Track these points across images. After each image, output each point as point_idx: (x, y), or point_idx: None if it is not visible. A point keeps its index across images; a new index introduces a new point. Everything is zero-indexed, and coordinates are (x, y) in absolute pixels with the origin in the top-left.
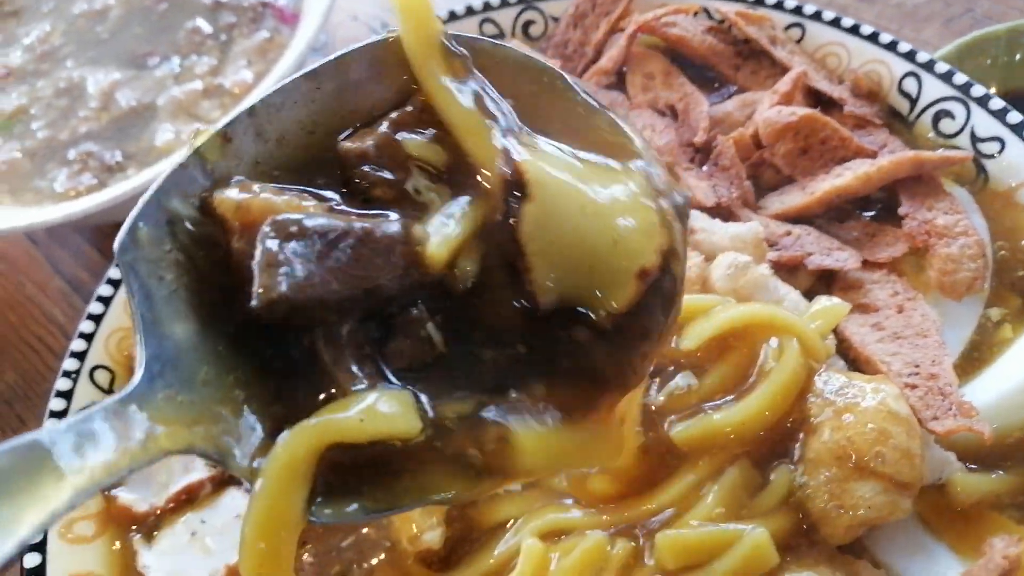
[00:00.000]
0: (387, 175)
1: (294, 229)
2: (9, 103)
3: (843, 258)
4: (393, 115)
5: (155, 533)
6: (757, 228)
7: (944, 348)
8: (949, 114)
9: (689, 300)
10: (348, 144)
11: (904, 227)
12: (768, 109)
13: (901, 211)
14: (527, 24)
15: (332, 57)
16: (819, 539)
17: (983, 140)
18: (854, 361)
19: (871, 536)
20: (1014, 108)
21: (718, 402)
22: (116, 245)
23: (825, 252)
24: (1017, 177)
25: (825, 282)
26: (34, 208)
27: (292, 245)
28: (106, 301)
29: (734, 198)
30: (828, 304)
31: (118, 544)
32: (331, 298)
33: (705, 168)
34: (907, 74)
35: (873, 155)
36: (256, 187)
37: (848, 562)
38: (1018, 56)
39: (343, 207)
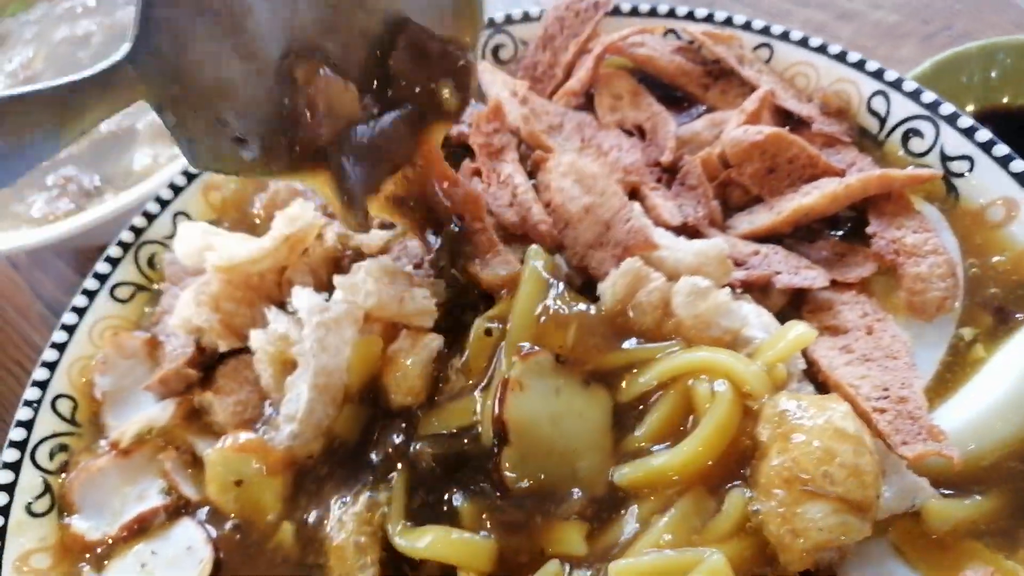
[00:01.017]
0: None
1: None
2: None
3: (811, 277)
4: None
5: (105, 563)
6: (720, 244)
7: (914, 370)
8: (918, 133)
9: (634, 350)
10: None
11: (873, 246)
12: (735, 128)
13: (869, 230)
14: (497, 48)
15: None
16: (780, 567)
17: (953, 159)
18: (823, 385)
19: (841, 565)
20: (992, 124)
21: (660, 446)
22: None
23: (793, 271)
24: (987, 195)
25: (795, 303)
26: (11, 232)
27: None
28: (70, 330)
29: (700, 217)
30: (793, 330)
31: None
32: None
33: (672, 188)
34: (875, 93)
35: (841, 174)
36: None
37: None
38: (993, 73)
39: None
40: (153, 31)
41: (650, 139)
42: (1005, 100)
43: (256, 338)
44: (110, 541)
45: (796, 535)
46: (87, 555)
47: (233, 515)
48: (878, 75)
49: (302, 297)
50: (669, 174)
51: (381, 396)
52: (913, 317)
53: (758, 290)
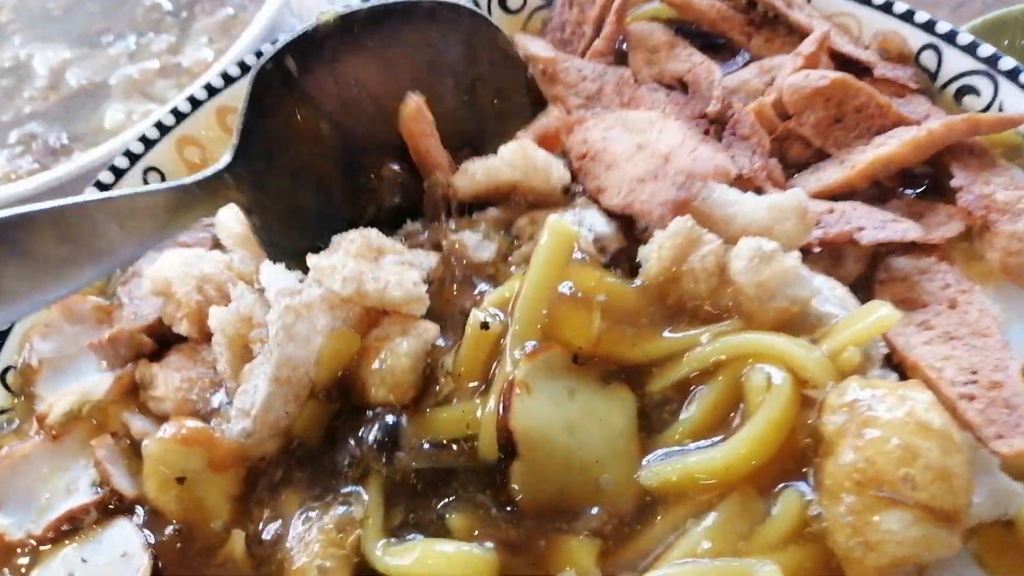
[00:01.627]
0: None
1: None
2: None
3: (902, 229)
4: None
5: (30, 573)
6: (800, 195)
7: (1008, 350)
8: (973, 90)
9: (675, 340)
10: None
11: (959, 201)
12: (792, 74)
13: (954, 183)
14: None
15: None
16: None
17: None
18: (898, 367)
19: None
20: None
21: (701, 443)
22: (253, 74)
23: (879, 225)
24: None
25: (863, 283)
26: None
27: None
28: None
29: (756, 169)
30: (874, 312)
31: None
32: None
33: (723, 140)
34: (925, 46)
35: (917, 124)
36: None
37: None
38: None
39: None
40: (250, 145)
41: (693, 91)
42: None
43: (215, 315)
44: (35, 541)
45: (869, 548)
46: (8, 559)
47: (174, 518)
48: (928, 27)
49: (270, 273)
50: (717, 126)
51: (354, 390)
52: (1005, 284)
53: (828, 258)
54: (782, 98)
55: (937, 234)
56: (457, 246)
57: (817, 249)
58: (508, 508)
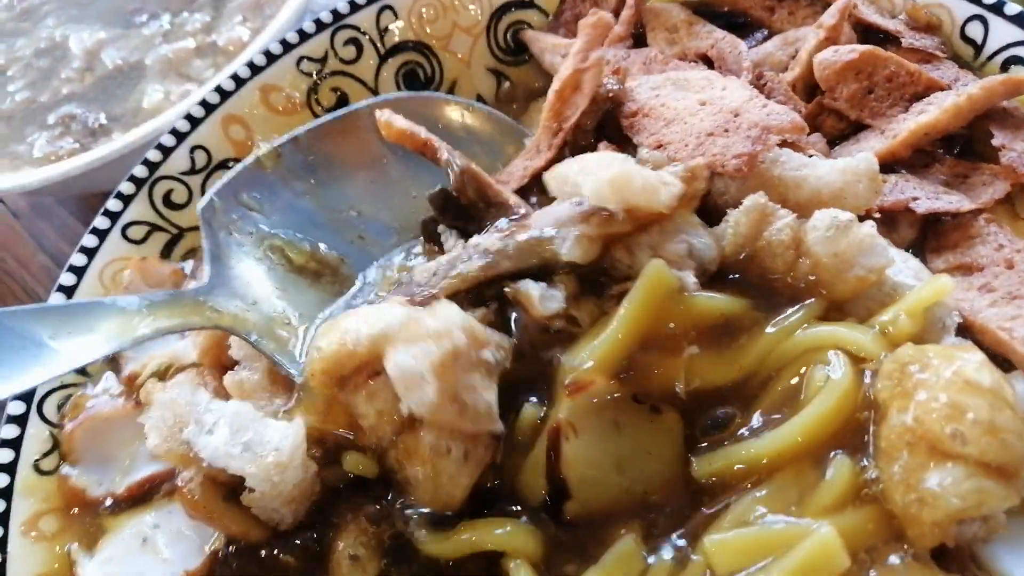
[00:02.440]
0: None
1: None
2: None
3: (955, 200)
4: None
5: (98, 541)
6: (872, 159)
7: None
8: (1021, 60)
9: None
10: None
11: (1002, 160)
12: (818, 49)
13: (995, 142)
14: None
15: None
16: (909, 544)
17: None
18: (966, 332)
19: (986, 544)
20: None
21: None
22: (199, 207)
23: (933, 196)
24: None
25: (918, 246)
26: (11, 174)
27: None
28: (79, 272)
29: None
30: (929, 284)
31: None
32: None
33: None
34: (971, 17)
35: (947, 88)
36: None
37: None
38: None
39: None
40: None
41: (719, 67)
42: None
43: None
44: (110, 501)
45: (924, 504)
46: (89, 512)
47: None
48: None
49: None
50: None
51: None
52: None
53: (885, 223)
54: (815, 75)
55: (985, 197)
56: (521, 298)
57: (877, 216)
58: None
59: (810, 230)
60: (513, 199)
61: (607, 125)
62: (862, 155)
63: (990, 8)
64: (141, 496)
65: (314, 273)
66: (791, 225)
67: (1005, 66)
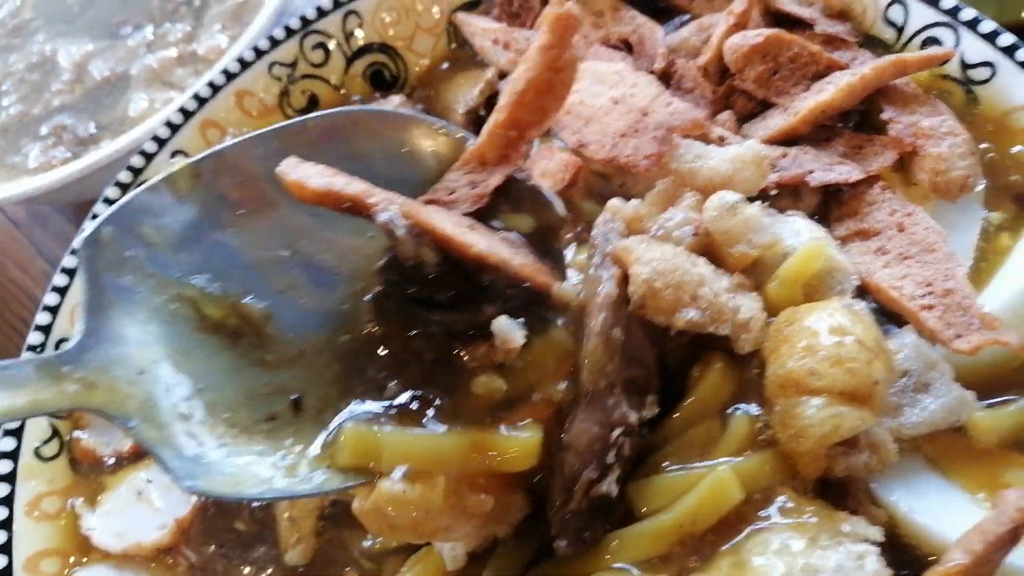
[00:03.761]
0: None
1: None
2: None
3: (846, 171)
4: None
5: (98, 497)
6: (756, 145)
7: (955, 259)
8: (937, 41)
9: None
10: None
11: (890, 132)
12: (728, 34)
13: (884, 116)
14: None
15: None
16: (801, 481)
17: (973, 66)
18: (865, 292)
19: (875, 478)
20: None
21: None
22: (78, 240)
23: (827, 168)
24: (1010, 101)
25: (821, 214)
26: (8, 184)
27: None
28: (71, 273)
29: (703, 118)
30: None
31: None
32: None
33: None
34: (892, 1)
35: (845, 67)
36: None
37: (826, 504)
38: None
39: None
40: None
41: (638, 52)
42: None
43: None
44: (113, 460)
45: (798, 437)
46: (96, 467)
47: None
48: None
49: None
50: (663, 83)
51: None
52: (939, 200)
53: (790, 194)
54: (725, 59)
55: (875, 165)
56: None
57: (774, 192)
58: None
59: (704, 211)
60: (493, 253)
61: None
62: (748, 143)
63: None
64: (141, 455)
65: (232, 333)
66: (692, 205)
67: (924, 45)
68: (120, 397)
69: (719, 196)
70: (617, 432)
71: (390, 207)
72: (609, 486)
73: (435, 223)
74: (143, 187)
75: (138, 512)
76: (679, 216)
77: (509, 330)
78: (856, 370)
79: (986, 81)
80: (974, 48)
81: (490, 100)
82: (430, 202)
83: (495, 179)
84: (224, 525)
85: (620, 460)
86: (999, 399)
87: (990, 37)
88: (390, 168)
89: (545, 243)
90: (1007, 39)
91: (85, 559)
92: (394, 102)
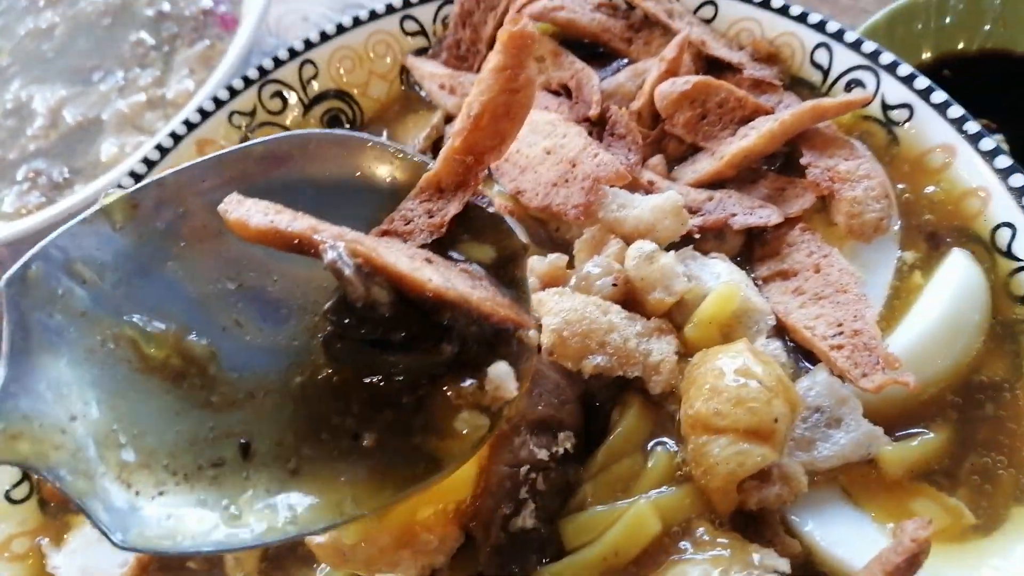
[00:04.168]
0: None
1: None
2: None
3: (766, 214)
4: None
5: (64, 536)
6: (675, 196)
7: (864, 301)
8: (860, 83)
9: None
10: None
11: (808, 176)
12: (659, 80)
13: (803, 161)
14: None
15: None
16: (717, 515)
17: (893, 107)
18: (782, 331)
19: (790, 509)
20: (947, 70)
21: None
22: (4, 278)
23: (748, 211)
24: (926, 142)
25: (746, 254)
26: None
27: None
28: None
29: (633, 164)
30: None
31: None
32: None
33: (603, 140)
34: (818, 45)
35: (770, 112)
36: None
37: (738, 536)
38: (948, 20)
39: None
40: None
41: (576, 97)
42: (960, 46)
43: None
44: None
45: (709, 473)
46: (63, 511)
47: None
48: (820, 27)
49: None
50: (599, 128)
51: None
52: (855, 243)
53: (714, 236)
54: (656, 105)
55: (795, 208)
56: None
57: (697, 236)
58: None
59: (627, 259)
60: (451, 289)
61: None
62: (667, 194)
63: (832, 36)
64: None
65: (175, 373)
66: (616, 253)
67: (848, 87)
68: (46, 448)
69: (637, 246)
70: (525, 469)
71: (338, 244)
72: (525, 520)
73: (387, 260)
74: (75, 219)
75: (101, 551)
76: (599, 268)
77: (505, 378)
78: (756, 409)
79: (905, 122)
80: (894, 90)
81: (436, 145)
82: (385, 233)
83: (453, 207)
84: (178, 563)
85: (535, 495)
86: (906, 432)
87: (908, 80)
88: (343, 196)
89: (507, 273)
90: (922, 82)
91: None
92: None
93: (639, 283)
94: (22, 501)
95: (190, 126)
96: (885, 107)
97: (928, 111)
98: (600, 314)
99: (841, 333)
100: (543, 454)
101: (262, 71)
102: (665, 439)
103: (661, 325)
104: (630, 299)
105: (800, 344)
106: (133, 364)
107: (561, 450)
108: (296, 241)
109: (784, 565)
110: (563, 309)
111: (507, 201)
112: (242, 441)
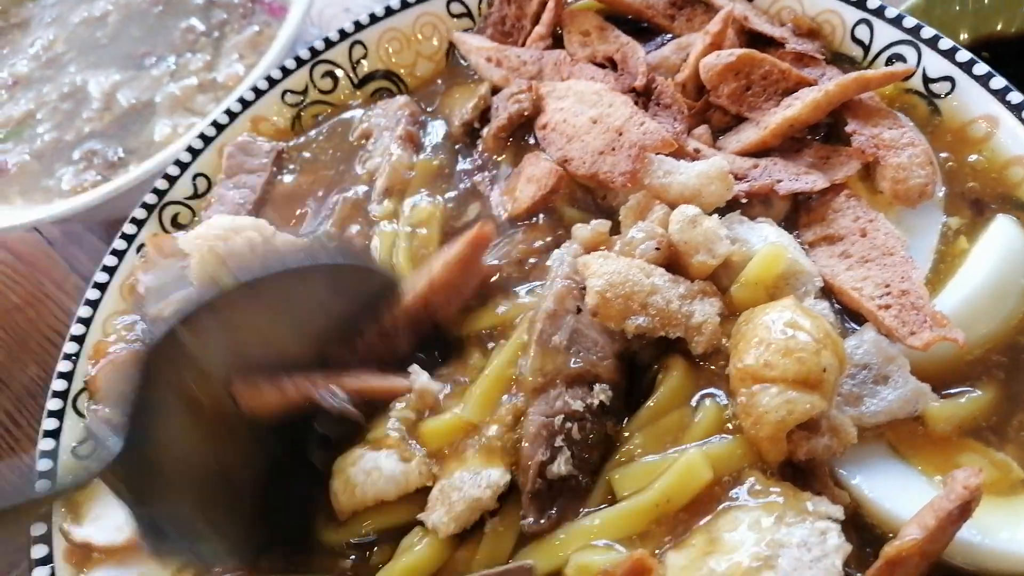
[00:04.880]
0: None
1: None
2: (18, 110)
3: (812, 180)
4: None
5: (80, 510)
6: (720, 163)
7: (911, 263)
8: (901, 57)
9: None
10: None
11: (853, 143)
12: (704, 53)
13: (848, 129)
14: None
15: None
16: (766, 465)
17: (935, 80)
18: (828, 293)
19: (839, 461)
20: (985, 51)
21: None
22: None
23: (794, 177)
24: (968, 113)
25: (791, 219)
26: (44, 206)
27: None
28: (102, 287)
29: (679, 132)
30: (756, 259)
31: None
32: None
33: (649, 110)
34: (859, 21)
35: (814, 83)
36: None
37: (790, 485)
38: (986, 1)
39: None
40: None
41: (622, 69)
42: (999, 27)
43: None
44: (116, 547)
45: (759, 424)
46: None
47: None
48: (860, 4)
49: None
50: (644, 98)
51: None
52: (900, 208)
53: (760, 202)
54: (701, 77)
55: (840, 174)
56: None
57: (744, 200)
58: None
59: (670, 223)
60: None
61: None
62: (713, 160)
63: (873, 12)
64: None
65: None
66: (660, 218)
67: (889, 62)
68: None
69: (680, 211)
70: (560, 419)
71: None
72: (560, 467)
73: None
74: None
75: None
76: (642, 232)
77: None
78: (805, 359)
79: (947, 95)
80: (935, 64)
81: (483, 114)
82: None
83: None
84: None
85: (570, 443)
86: (954, 391)
87: (949, 54)
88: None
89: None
90: (964, 55)
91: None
92: (399, 102)
93: (682, 246)
94: (86, 458)
95: (245, 103)
96: (927, 80)
97: (970, 83)
98: (643, 276)
99: (888, 294)
100: (577, 404)
101: (313, 51)
102: (714, 390)
103: (705, 288)
104: (674, 262)
105: (847, 306)
106: None
107: (596, 401)
108: (296, 399)
109: (838, 512)
110: (607, 271)
111: (552, 164)
112: None
